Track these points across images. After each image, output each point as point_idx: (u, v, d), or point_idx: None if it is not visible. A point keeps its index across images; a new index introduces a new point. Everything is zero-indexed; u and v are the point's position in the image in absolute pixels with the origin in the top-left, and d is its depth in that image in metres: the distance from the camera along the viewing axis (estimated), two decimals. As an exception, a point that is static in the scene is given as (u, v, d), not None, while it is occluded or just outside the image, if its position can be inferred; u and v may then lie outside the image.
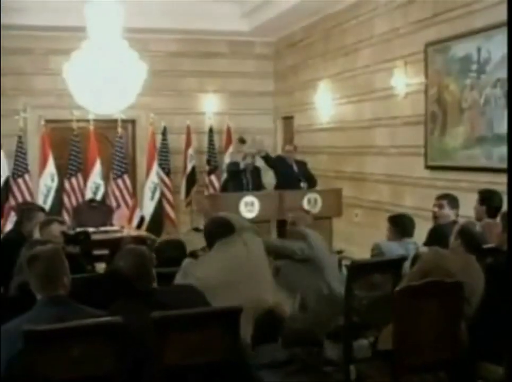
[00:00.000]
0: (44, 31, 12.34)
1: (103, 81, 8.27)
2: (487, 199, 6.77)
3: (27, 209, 7.35)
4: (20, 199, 11.46)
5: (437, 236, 6.35)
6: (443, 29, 8.63)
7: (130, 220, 11.67)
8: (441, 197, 6.95)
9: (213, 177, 13.47)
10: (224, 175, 12.73)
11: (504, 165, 6.98)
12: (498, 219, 6.05)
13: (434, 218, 6.99)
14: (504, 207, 6.25)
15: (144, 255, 4.31)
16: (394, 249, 6.15)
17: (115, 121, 12.15)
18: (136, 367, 3.79)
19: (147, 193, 12.62)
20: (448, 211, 6.78)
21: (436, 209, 6.90)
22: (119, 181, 12.16)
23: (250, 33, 13.55)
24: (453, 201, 6.86)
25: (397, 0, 9.71)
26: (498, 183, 6.97)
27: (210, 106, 13.92)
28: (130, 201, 12.15)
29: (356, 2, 10.79)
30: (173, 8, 12.17)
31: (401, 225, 6.41)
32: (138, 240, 7.49)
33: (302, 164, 10.62)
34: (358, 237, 10.66)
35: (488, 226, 6.36)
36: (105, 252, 6.82)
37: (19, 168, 11.78)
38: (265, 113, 14.36)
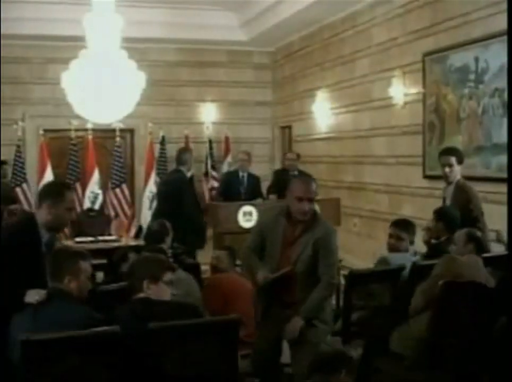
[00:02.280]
0: (42, 41, 12.38)
1: (101, 91, 8.27)
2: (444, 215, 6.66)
3: None
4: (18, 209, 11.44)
5: None
6: (441, 39, 8.64)
7: (128, 229, 11.64)
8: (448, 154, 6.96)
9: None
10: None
11: (502, 174, 7.00)
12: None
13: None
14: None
15: (135, 263, 4.34)
16: (401, 261, 6.04)
17: (113, 130, 12.16)
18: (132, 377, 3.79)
19: (145, 202, 12.60)
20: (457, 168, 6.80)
21: (447, 169, 6.84)
22: (117, 191, 12.16)
23: (248, 43, 13.57)
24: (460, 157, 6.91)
25: (394, 10, 9.73)
26: (497, 192, 6.98)
27: (208, 116, 13.93)
28: (128, 211, 12.15)
29: (354, 12, 10.81)
30: (172, 17, 12.20)
31: (411, 232, 6.25)
32: (136, 249, 7.47)
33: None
34: (357, 247, 10.67)
35: None
36: (103, 261, 6.82)
37: (18, 177, 11.78)
38: (264, 123, 14.37)
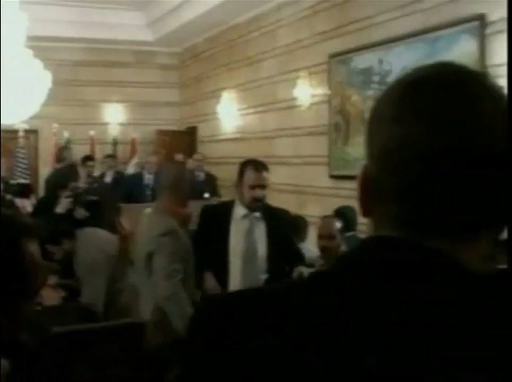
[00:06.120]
0: None
1: (6, 91, 8.12)
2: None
3: None
4: None
5: None
6: (347, 41, 8.79)
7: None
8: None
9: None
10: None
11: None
12: None
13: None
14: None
15: None
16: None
17: (16, 131, 11.92)
18: None
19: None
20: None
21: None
22: (21, 192, 11.92)
23: (154, 43, 13.55)
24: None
25: (301, 11, 9.84)
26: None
27: (115, 117, 13.83)
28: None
29: (260, 13, 10.90)
30: (78, 16, 12.09)
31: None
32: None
33: (212, 178, 10.75)
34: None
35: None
36: None
37: None
38: (171, 124, 14.34)
